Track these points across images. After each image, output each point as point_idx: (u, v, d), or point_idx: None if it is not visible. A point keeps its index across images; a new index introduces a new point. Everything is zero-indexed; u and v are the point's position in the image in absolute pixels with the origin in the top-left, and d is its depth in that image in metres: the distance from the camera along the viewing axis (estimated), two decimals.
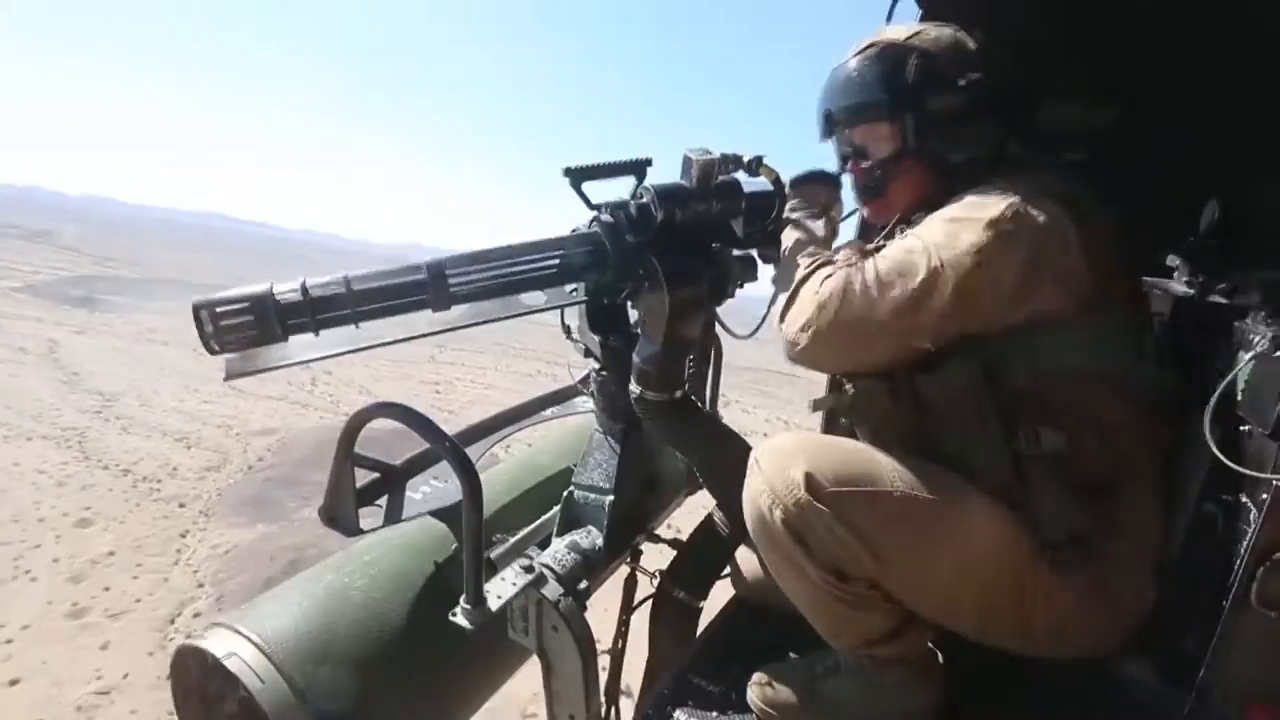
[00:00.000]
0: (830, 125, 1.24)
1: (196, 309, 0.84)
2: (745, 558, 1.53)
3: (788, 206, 1.29)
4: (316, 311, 0.89)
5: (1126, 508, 1.02)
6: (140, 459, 6.62)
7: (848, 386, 1.18)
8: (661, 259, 1.13)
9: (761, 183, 1.27)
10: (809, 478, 0.98)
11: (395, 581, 1.11)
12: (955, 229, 1.00)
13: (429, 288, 0.95)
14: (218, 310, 0.84)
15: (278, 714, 0.91)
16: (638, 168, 1.17)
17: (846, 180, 1.29)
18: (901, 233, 1.11)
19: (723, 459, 1.32)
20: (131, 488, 6.04)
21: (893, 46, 1.15)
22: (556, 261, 1.10)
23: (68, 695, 3.59)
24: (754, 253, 1.32)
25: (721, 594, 1.58)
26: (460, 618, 1.00)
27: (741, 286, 1.30)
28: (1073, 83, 1.53)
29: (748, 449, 1.33)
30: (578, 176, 1.12)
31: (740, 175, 1.26)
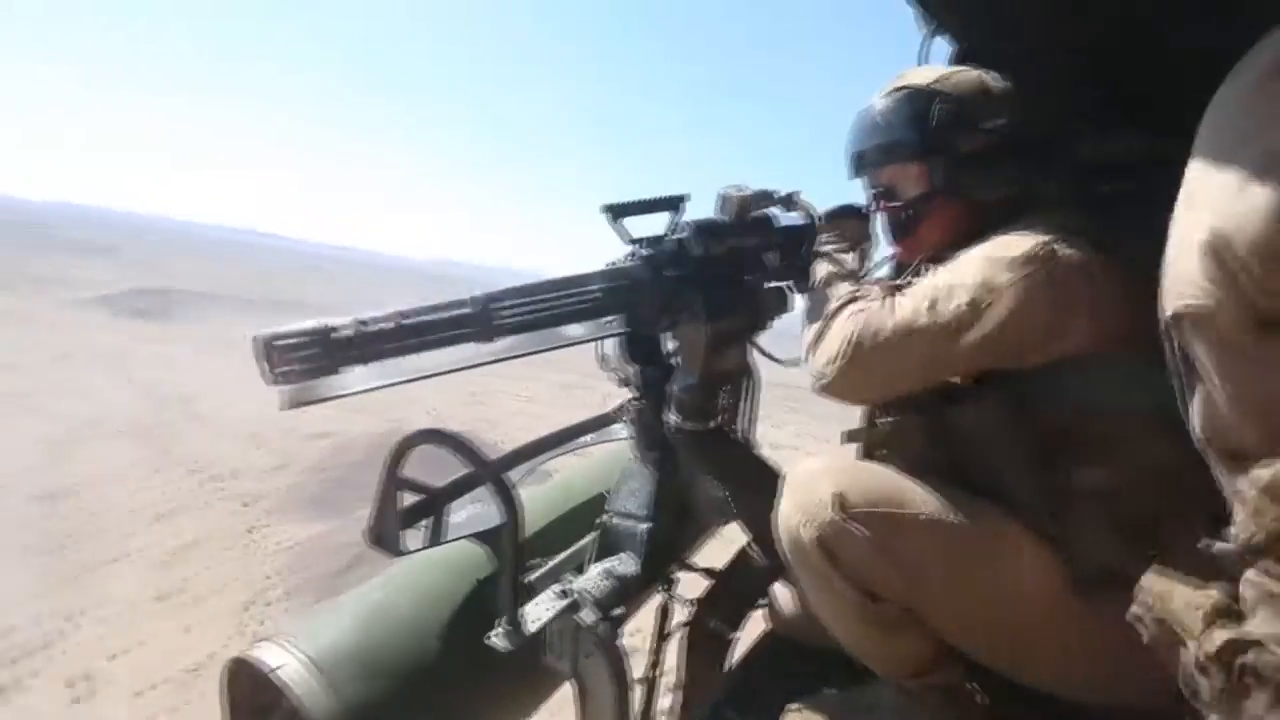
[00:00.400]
0: (860, 165, 1.26)
1: (255, 341, 0.89)
2: (780, 591, 1.52)
3: (820, 239, 1.31)
4: (368, 345, 0.94)
5: (1172, 547, 0.99)
6: (213, 459, 7.05)
7: (881, 421, 1.18)
8: (700, 292, 1.16)
9: (795, 217, 1.31)
10: (838, 497, 0.99)
11: (437, 602, 1.15)
12: (985, 267, 1.00)
13: (475, 321, 1.00)
14: (276, 344, 0.89)
15: None
16: (674, 203, 1.22)
17: (878, 218, 1.30)
18: (929, 270, 1.12)
19: (758, 490, 1.33)
20: (205, 484, 6.41)
21: (919, 90, 1.17)
22: (597, 294, 1.13)
23: (161, 670, 3.87)
24: (787, 285, 1.35)
25: (757, 625, 1.57)
26: (497, 640, 1.03)
27: (774, 318, 1.33)
28: (1112, 114, 1.51)
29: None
30: (616, 212, 1.18)
31: (774, 210, 1.29)
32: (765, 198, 1.26)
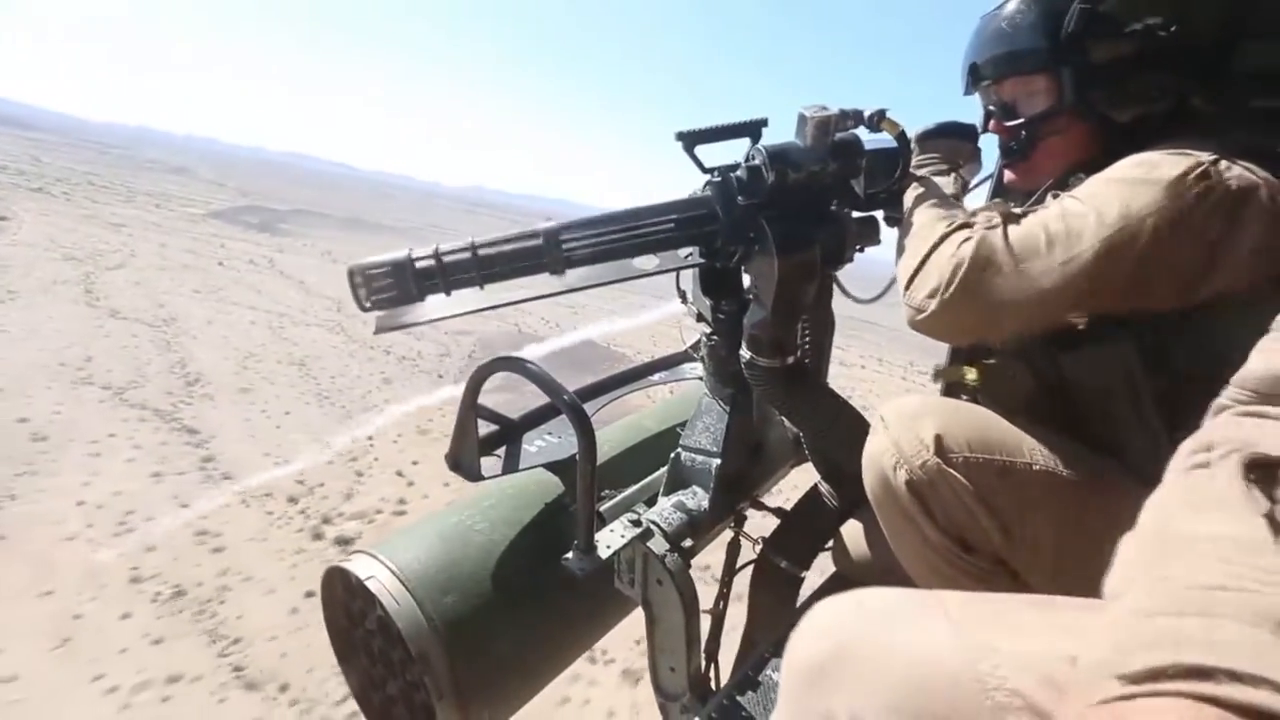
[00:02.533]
0: (975, 78, 1.11)
1: (350, 272, 0.97)
2: (849, 533, 1.50)
3: (913, 163, 1.20)
4: (447, 274, 0.99)
5: None
6: (392, 346, 8.56)
7: (979, 362, 1.10)
8: (772, 222, 1.11)
9: (885, 139, 1.21)
10: (939, 440, 0.92)
11: (512, 526, 1.19)
12: (1127, 192, 0.85)
13: (545, 253, 1.03)
14: (367, 274, 0.97)
15: (410, 633, 1.00)
16: (752, 129, 1.15)
17: (989, 140, 1.17)
18: (1054, 197, 0.97)
19: (833, 429, 1.29)
20: (401, 362, 7.98)
21: None
22: (671, 225, 1.12)
23: (443, 473, 5.35)
24: (877, 214, 1.27)
25: (826, 565, 1.57)
26: (572, 563, 1.06)
27: (862, 250, 1.25)
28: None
29: (861, 421, 1.30)
30: (691, 140, 1.13)
31: (861, 132, 1.20)
32: (850, 118, 1.16)
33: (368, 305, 0.97)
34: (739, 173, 1.14)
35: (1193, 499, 0.45)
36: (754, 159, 1.13)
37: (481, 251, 1.01)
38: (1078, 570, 0.91)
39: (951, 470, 0.91)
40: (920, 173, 1.18)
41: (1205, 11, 0.95)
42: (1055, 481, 0.91)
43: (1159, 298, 0.85)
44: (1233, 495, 0.41)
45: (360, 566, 1.07)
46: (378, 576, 1.05)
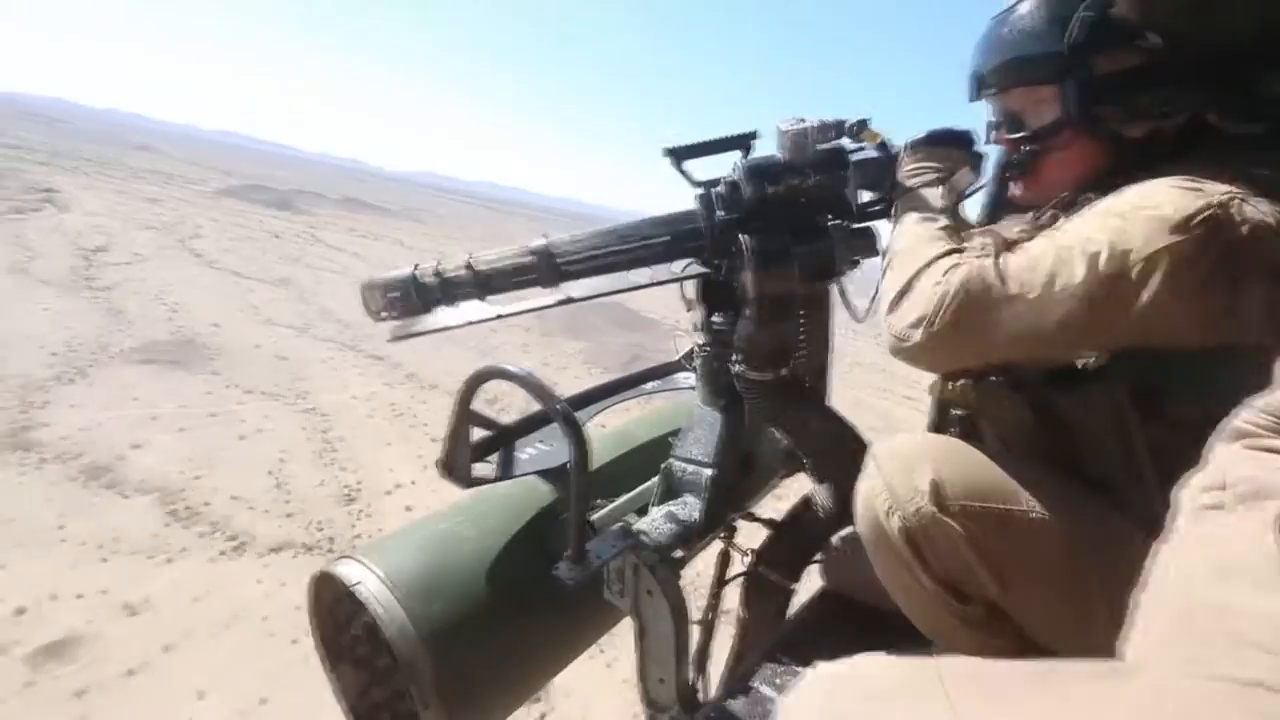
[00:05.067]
0: (980, 86, 1.04)
1: (363, 288, 1.12)
2: (835, 547, 1.49)
3: (903, 173, 1.16)
4: (449, 289, 1.11)
5: None
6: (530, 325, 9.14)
7: (975, 386, 1.07)
8: (752, 237, 1.12)
9: (869, 149, 1.20)
10: (936, 487, 0.88)
11: (501, 534, 1.18)
12: (1136, 225, 0.78)
13: (538, 269, 1.11)
14: (376, 289, 1.11)
15: (396, 640, 1.00)
16: (741, 142, 1.16)
17: (991, 152, 1.13)
18: (1055, 220, 0.92)
19: (824, 444, 1.30)
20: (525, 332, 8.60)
21: None
22: (664, 240, 1.16)
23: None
24: (873, 225, 1.27)
25: (815, 578, 1.57)
26: (562, 573, 1.05)
27: (857, 264, 1.26)
28: None
29: (854, 437, 1.30)
30: (680, 155, 1.16)
31: (846, 142, 1.19)
32: (832, 129, 1.15)
33: (382, 317, 1.10)
34: (719, 188, 1.16)
35: (1217, 558, 0.41)
36: (734, 174, 1.15)
37: (480, 268, 1.11)
38: (1077, 618, 0.88)
39: (947, 519, 0.88)
40: (910, 183, 1.13)
41: (1225, 23, 0.86)
42: (1052, 530, 0.88)
43: (1158, 341, 0.80)
44: (1263, 560, 0.37)
45: (348, 572, 1.07)
46: (365, 582, 1.05)
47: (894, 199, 1.17)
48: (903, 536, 0.91)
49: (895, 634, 1.05)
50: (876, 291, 1.05)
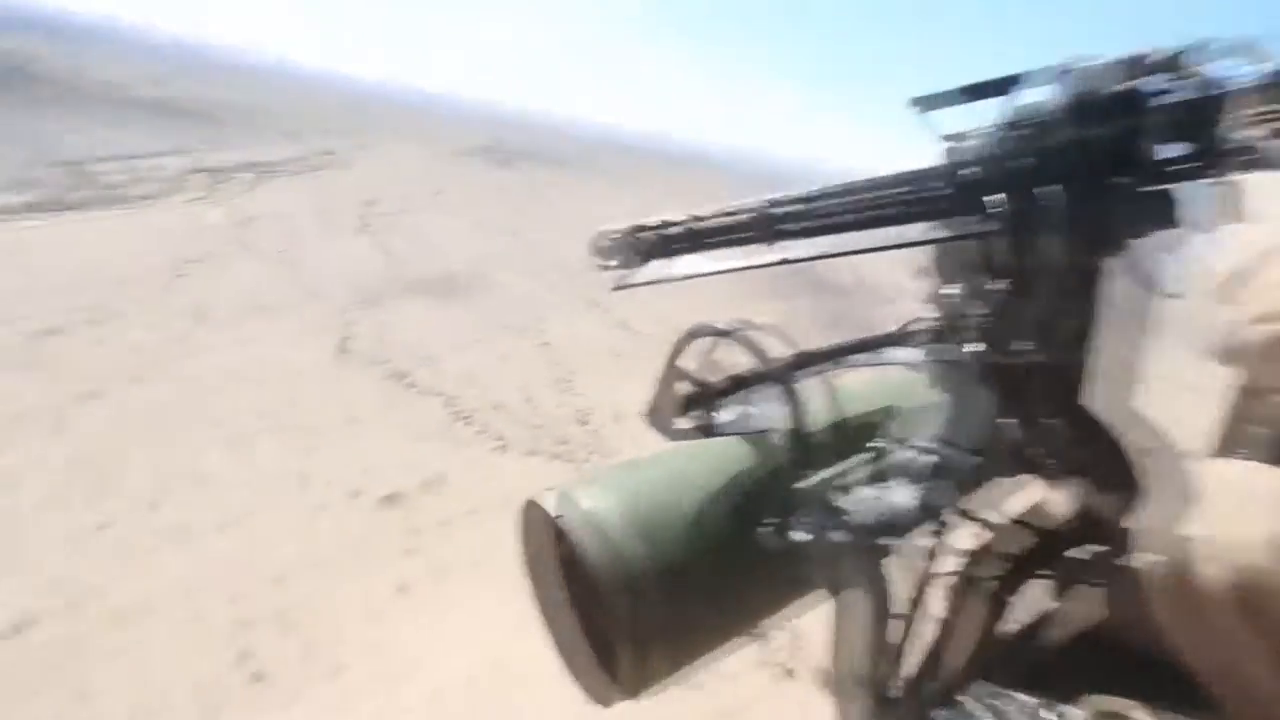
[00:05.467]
0: None
1: (591, 241, 1.21)
2: (1081, 570, 1.29)
3: (1244, 116, 0.88)
4: (667, 243, 1.15)
5: None
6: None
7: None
8: (1010, 197, 0.95)
9: (1185, 88, 0.94)
10: None
11: (703, 490, 1.19)
12: None
13: (755, 226, 1.10)
14: (605, 239, 1.20)
15: (602, 572, 1.05)
16: (1002, 88, 0.98)
17: None
18: None
19: (1077, 452, 1.12)
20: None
21: None
22: (904, 199, 1.05)
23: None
24: (1171, 188, 1.02)
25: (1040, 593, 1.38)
26: (767, 537, 1.03)
27: (1148, 234, 1.03)
28: None
29: (1122, 457, 1.09)
30: (926, 105, 1.03)
31: (1150, 82, 0.95)
32: (1129, 66, 0.91)
33: (608, 265, 1.18)
34: (971, 141, 1.01)
35: None
36: (991, 125, 0.98)
37: (698, 224, 1.14)
38: None
39: None
40: (1260, 132, 0.88)
41: None
42: None
43: None
44: None
45: (558, 503, 1.14)
46: (573, 515, 1.11)
47: (1220, 152, 0.91)
48: (1232, 594, 0.74)
49: (1166, 684, 0.87)
50: (1199, 266, 0.85)
